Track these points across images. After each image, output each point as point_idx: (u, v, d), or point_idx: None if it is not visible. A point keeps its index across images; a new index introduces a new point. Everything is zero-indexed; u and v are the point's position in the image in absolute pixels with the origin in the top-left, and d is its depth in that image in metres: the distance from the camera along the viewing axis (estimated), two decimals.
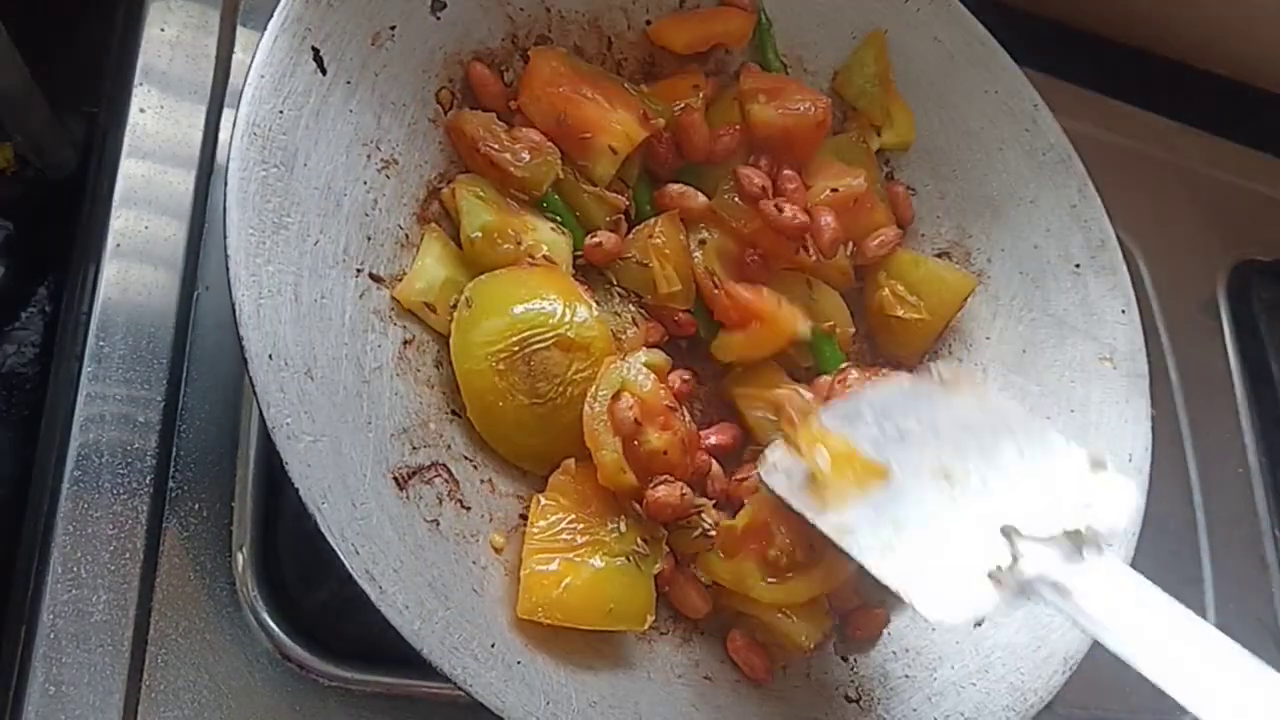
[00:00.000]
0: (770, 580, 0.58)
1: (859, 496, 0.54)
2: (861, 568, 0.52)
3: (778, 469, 0.57)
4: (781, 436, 0.58)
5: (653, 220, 0.65)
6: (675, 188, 0.67)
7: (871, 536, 0.53)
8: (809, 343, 0.67)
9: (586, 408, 0.57)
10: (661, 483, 0.57)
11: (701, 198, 0.67)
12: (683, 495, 0.57)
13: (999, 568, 0.50)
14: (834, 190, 0.68)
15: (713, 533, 0.59)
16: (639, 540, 0.56)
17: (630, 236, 0.66)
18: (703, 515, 0.59)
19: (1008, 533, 0.51)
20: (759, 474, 0.57)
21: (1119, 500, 0.53)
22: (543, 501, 0.56)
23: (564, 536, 0.55)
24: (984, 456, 0.56)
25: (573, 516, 0.56)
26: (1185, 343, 0.94)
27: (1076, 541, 0.51)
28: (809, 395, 0.64)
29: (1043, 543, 0.51)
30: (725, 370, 0.67)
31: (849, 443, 0.56)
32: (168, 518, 0.59)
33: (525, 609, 0.53)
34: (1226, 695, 0.45)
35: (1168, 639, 0.47)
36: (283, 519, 0.60)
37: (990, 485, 0.54)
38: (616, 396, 0.57)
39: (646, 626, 0.55)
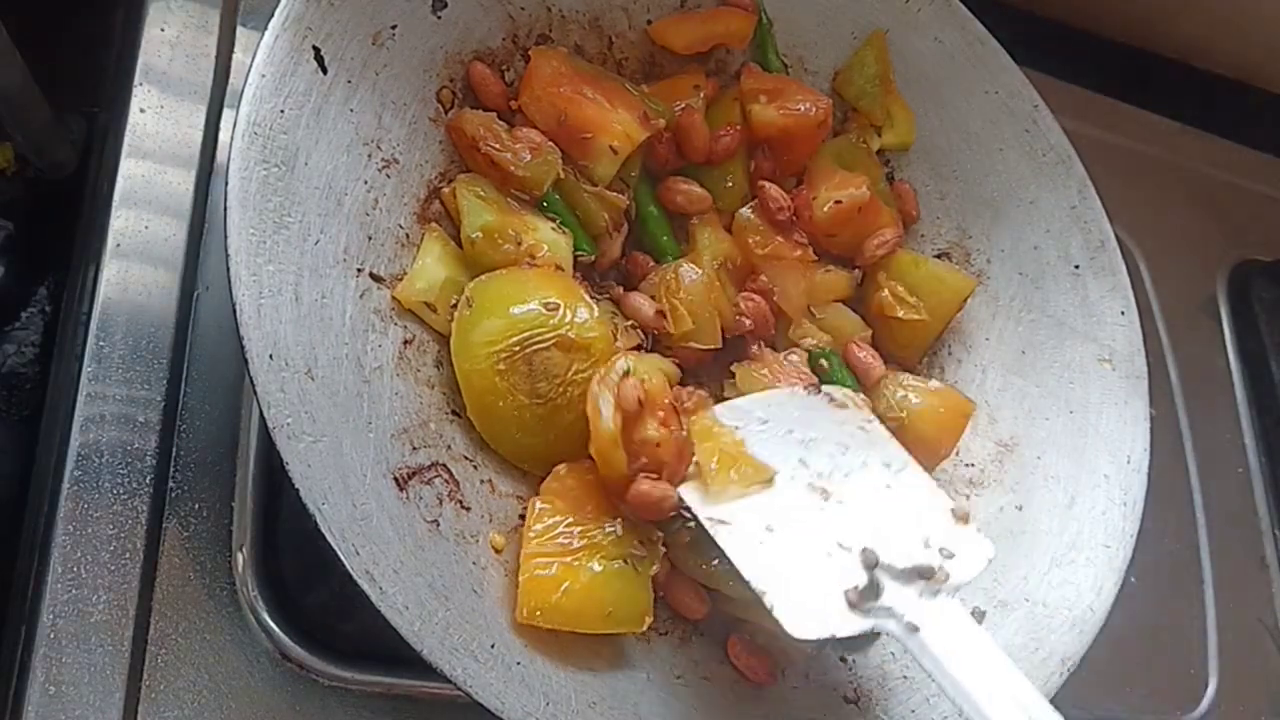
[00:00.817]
0: None
1: (740, 495, 0.57)
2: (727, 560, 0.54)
3: None
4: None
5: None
6: (679, 182, 0.68)
7: (744, 534, 0.55)
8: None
9: (593, 381, 0.57)
10: (648, 478, 0.57)
11: (704, 192, 0.68)
12: (665, 496, 0.56)
13: (855, 589, 0.53)
14: (838, 203, 0.68)
15: (692, 523, 0.58)
16: (636, 543, 0.56)
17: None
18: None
19: (867, 557, 0.54)
20: None
21: (975, 555, 0.56)
22: (539, 505, 0.56)
23: (561, 540, 0.55)
24: (857, 480, 0.58)
25: (569, 520, 0.56)
26: (1185, 343, 0.94)
27: (930, 581, 0.53)
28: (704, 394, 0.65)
29: (899, 576, 0.53)
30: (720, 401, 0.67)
31: (739, 441, 0.58)
32: (168, 518, 0.59)
33: (524, 614, 0.53)
34: None
35: (997, 696, 0.49)
36: (283, 519, 0.60)
37: (858, 508, 0.57)
38: (626, 376, 0.57)
39: (645, 629, 0.55)
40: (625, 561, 0.55)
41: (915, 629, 0.52)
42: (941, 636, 0.51)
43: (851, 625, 0.52)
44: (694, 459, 0.58)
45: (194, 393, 0.62)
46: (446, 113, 0.63)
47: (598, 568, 0.54)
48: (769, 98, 0.69)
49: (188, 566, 0.58)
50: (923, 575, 0.53)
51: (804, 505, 0.57)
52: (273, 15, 0.55)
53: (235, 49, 0.71)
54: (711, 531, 0.55)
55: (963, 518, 0.58)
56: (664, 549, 0.58)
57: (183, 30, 0.69)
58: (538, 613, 0.53)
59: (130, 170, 0.64)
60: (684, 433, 0.59)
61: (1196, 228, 1.00)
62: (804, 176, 0.71)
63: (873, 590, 0.53)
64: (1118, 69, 1.04)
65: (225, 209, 0.50)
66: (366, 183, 0.58)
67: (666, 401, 0.58)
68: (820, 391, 0.63)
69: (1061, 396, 0.71)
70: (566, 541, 0.55)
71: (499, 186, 0.62)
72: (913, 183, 0.76)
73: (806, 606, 0.52)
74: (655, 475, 0.57)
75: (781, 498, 0.57)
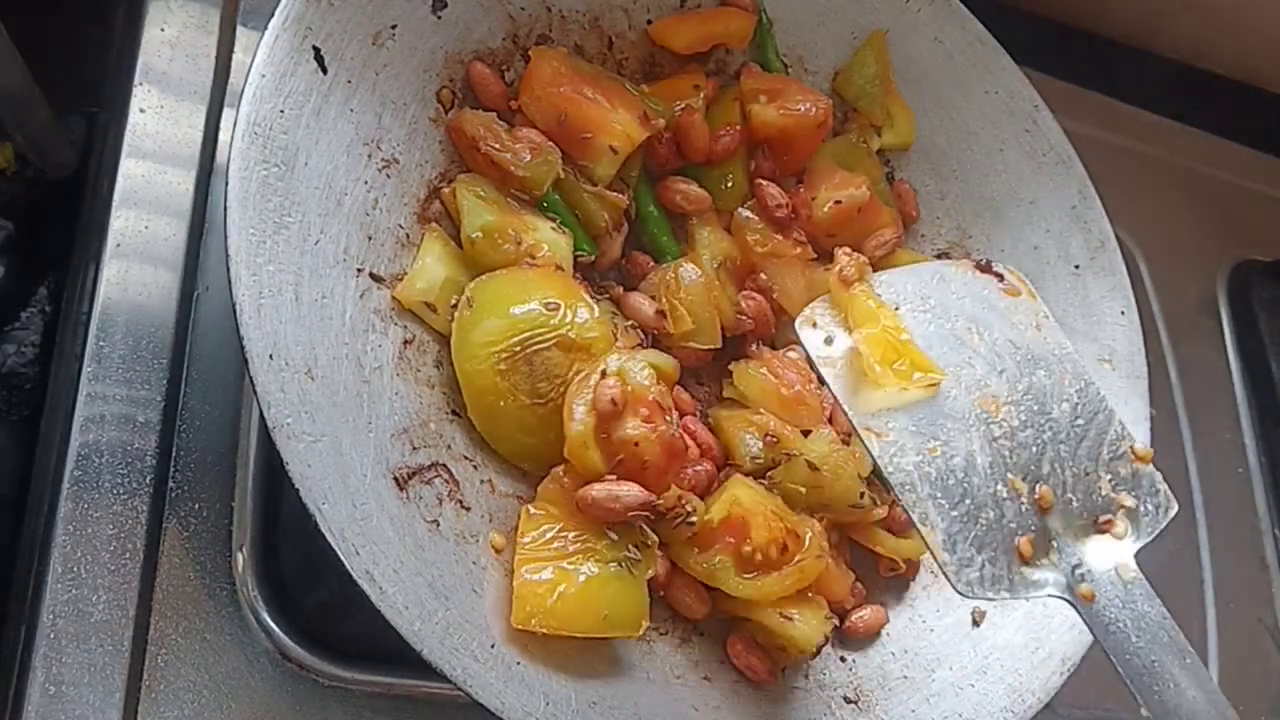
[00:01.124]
0: (745, 576, 0.57)
1: (897, 400, 0.48)
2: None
3: (816, 326, 0.50)
4: (828, 295, 0.51)
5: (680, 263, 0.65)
6: (678, 181, 0.68)
7: (903, 452, 0.47)
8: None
9: (574, 382, 0.56)
10: (608, 481, 0.55)
11: (704, 192, 0.68)
12: (621, 501, 0.54)
13: (1027, 539, 0.46)
14: (838, 203, 0.69)
15: (693, 519, 0.58)
16: (630, 546, 0.56)
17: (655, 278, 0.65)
18: (684, 503, 0.58)
19: (1041, 499, 0.47)
20: (794, 324, 0.51)
21: (1157, 506, 0.48)
22: (532, 511, 0.56)
23: (555, 545, 0.55)
24: (1029, 391, 0.49)
25: (562, 525, 0.55)
26: (1185, 343, 0.94)
27: (1106, 535, 0.46)
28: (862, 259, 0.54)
29: (1073, 526, 0.46)
30: (720, 400, 0.67)
31: (901, 328, 0.49)
32: (168, 518, 0.59)
33: (519, 618, 0.52)
34: None
35: (1182, 689, 0.43)
36: (283, 519, 0.60)
37: (1030, 432, 0.48)
38: (604, 376, 0.56)
39: (641, 633, 0.55)
40: (620, 565, 0.55)
41: (1090, 598, 0.44)
42: (1119, 609, 0.44)
43: (1023, 587, 0.45)
44: (849, 347, 0.48)
45: (194, 393, 0.62)
46: (446, 113, 0.63)
47: (593, 571, 0.54)
48: (769, 98, 0.70)
49: (188, 566, 0.58)
50: (1099, 529, 0.46)
51: (971, 422, 0.48)
52: (273, 15, 0.55)
53: (235, 49, 0.71)
54: (865, 442, 0.47)
55: (1144, 458, 0.49)
56: (663, 549, 0.58)
57: (183, 30, 0.69)
58: (533, 619, 0.52)
59: (130, 170, 0.65)
60: (674, 430, 0.56)
61: (1196, 228, 1.00)
62: (804, 176, 0.72)
63: (1044, 543, 0.45)
64: (1118, 69, 1.04)
65: (225, 209, 0.50)
66: (366, 183, 0.58)
67: (651, 399, 0.56)
68: (991, 271, 0.54)
69: None
70: (561, 546, 0.55)
71: (499, 186, 0.62)
72: (913, 183, 0.76)
73: (975, 556, 0.45)
74: (617, 480, 0.55)
75: (946, 407, 0.48)
